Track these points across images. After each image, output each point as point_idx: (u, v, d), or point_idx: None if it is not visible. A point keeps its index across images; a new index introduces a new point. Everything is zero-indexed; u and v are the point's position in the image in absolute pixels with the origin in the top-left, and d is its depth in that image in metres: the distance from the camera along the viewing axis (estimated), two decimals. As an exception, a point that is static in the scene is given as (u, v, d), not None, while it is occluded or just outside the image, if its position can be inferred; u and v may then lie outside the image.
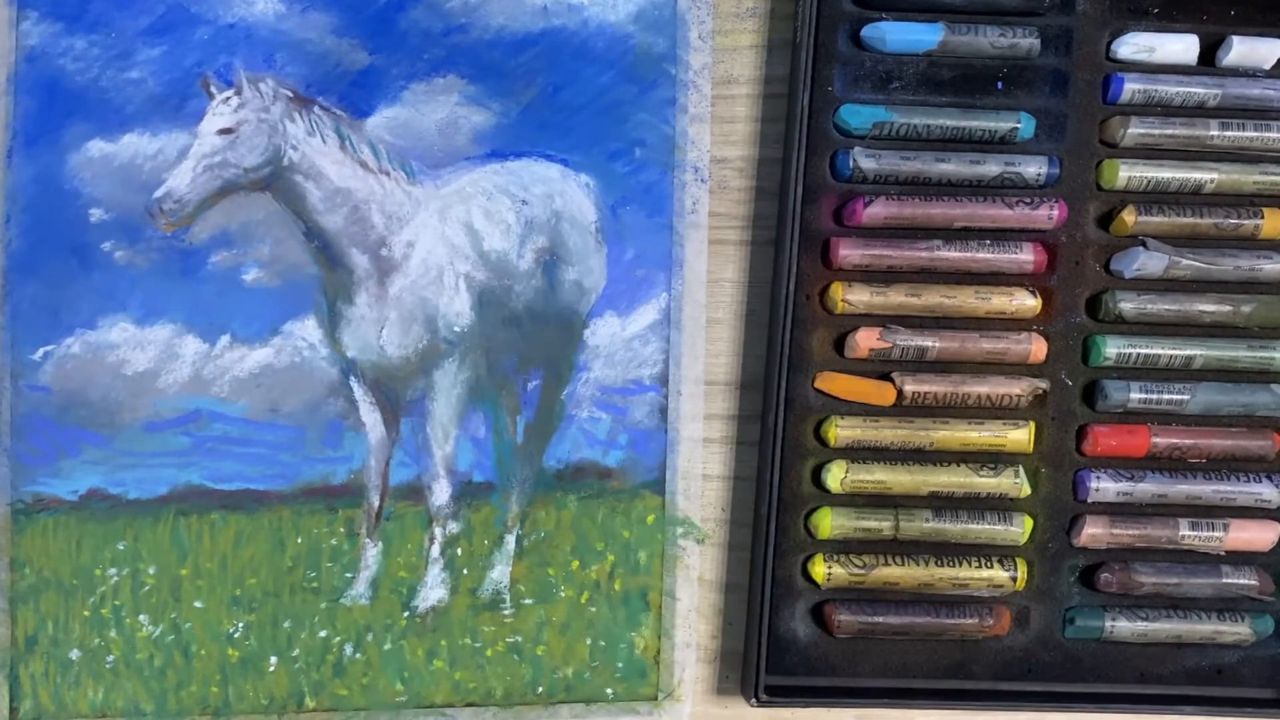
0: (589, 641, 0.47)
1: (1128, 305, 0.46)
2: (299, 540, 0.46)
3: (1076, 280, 0.47)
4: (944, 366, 0.47)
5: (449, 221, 0.46)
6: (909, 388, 0.46)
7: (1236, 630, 0.47)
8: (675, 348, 0.47)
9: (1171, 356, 0.47)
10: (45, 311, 0.44)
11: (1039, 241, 0.46)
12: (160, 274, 0.45)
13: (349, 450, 0.46)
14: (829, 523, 0.46)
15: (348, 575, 0.46)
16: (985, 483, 0.46)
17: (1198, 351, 0.46)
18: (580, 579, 0.47)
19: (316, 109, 0.45)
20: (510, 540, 0.46)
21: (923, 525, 0.46)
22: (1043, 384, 0.46)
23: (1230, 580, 0.47)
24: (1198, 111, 0.47)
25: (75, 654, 0.45)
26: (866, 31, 0.46)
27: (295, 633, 0.46)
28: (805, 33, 0.45)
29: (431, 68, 0.46)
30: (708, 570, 0.48)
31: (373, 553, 0.46)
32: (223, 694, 0.45)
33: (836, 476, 0.46)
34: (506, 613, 0.46)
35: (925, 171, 0.46)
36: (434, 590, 0.46)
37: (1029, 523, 0.47)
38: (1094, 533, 0.47)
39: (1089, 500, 0.47)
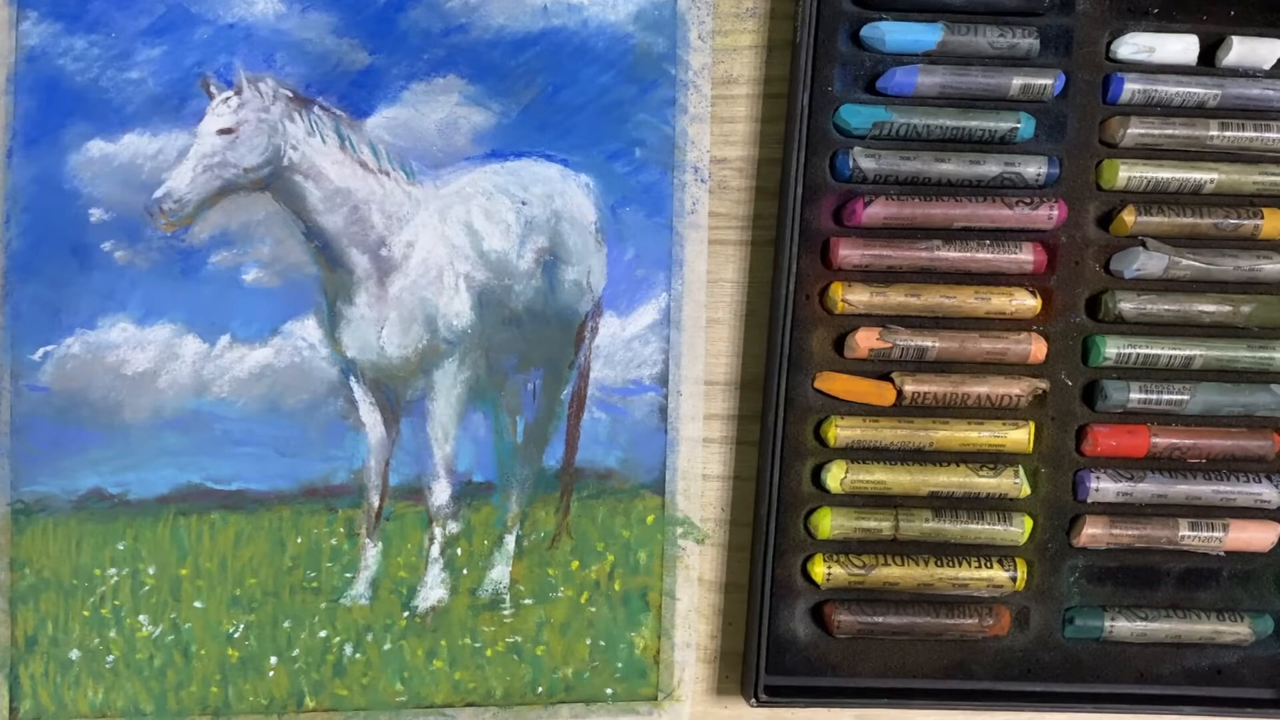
0: (589, 641, 0.47)
1: (1128, 305, 0.46)
2: (299, 540, 0.46)
3: (1076, 280, 0.47)
4: (944, 366, 0.47)
5: (449, 221, 0.46)
6: (909, 388, 0.46)
7: (1236, 630, 0.47)
8: (675, 348, 0.47)
9: (1171, 357, 0.46)
10: (45, 311, 0.44)
11: (1039, 241, 0.46)
12: (160, 274, 0.45)
13: (349, 450, 0.46)
14: (829, 523, 0.46)
15: (348, 575, 0.46)
16: (985, 483, 0.46)
17: (1198, 352, 0.46)
18: (580, 579, 0.47)
19: (316, 109, 0.45)
20: (510, 540, 0.46)
21: (923, 525, 0.46)
22: (1043, 384, 0.46)
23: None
24: (1198, 111, 0.47)
25: (75, 654, 0.45)
26: (866, 31, 0.46)
27: (295, 633, 0.46)
28: (805, 33, 0.45)
29: (431, 68, 0.46)
30: (707, 570, 0.48)
31: (373, 553, 0.46)
32: (223, 694, 0.45)
33: (836, 476, 0.46)
34: (506, 613, 0.47)
35: (925, 171, 0.46)
36: (434, 590, 0.46)
37: (1029, 523, 0.47)
38: (1094, 533, 0.47)
39: (1089, 500, 0.47)
